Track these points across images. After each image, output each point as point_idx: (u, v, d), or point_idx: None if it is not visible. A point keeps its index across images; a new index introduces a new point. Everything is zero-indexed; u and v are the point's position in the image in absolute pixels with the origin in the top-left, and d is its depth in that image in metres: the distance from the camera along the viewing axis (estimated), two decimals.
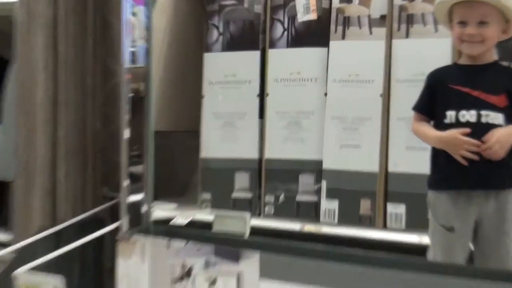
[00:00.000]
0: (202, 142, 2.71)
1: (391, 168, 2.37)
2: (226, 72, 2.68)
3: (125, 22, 2.07)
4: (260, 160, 2.62)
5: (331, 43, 2.52)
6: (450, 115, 1.83)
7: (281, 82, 2.61)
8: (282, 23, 2.60)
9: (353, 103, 2.45)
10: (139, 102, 2.09)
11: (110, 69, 2.49)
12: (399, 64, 2.38)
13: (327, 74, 2.51)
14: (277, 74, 2.61)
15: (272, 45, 2.63)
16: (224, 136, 2.68)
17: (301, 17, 2.58)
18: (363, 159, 2.42)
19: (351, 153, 2.45)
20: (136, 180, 2.09)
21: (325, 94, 2.52)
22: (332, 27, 2.52)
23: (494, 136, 1.76)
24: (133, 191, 2.09)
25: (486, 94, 1.80)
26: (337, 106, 2.48)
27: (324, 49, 2.53)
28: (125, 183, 2.09)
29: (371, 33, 2.46)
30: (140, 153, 2.08)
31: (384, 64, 2.41)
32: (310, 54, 2.56)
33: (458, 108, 1.82)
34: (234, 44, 2.68)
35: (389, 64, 2.39)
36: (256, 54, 2.66)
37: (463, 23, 1.83)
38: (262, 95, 2.63)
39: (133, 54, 2.09)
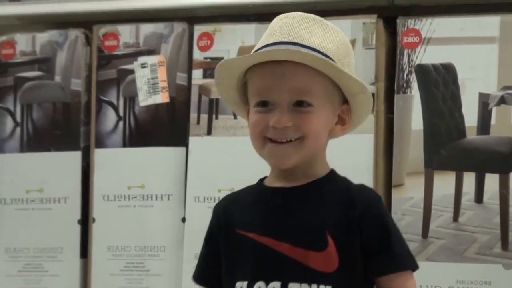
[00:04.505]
0: None
1: None
2: (28, 186, 2.35)
3: None
4: None
5: (191, 140, 2.23)
6: None
7: (115, 200, 2.29)
8: (116, 109, 2.29)
9: None
10: None
11: None
12: None
13: (185, 190, 2.23)
14: (108, 189, 2.29)
15: (100, 143, 2.32)
16: (24, 285, 2.34)
17: (144, 100, 2.25)
18: None
19: None
20: None
21: (183, 220, 2.24)
22: (193, 115, 2.25)
23: None
24: None
25: (302, 249, 1.23)
26: (201, 237, 2.20)
27: (181, 149, 2.25)
28: None
29: None
30: None
31: None
32: (159, 158, 2.27)
33: (251, 277, 1.26)
34: (39, 141, 2.37)
35: None
36: (76, 156, 2.33)
37: (264, 105, 1.22)
38: (85, 221, 2.32)
39: None
